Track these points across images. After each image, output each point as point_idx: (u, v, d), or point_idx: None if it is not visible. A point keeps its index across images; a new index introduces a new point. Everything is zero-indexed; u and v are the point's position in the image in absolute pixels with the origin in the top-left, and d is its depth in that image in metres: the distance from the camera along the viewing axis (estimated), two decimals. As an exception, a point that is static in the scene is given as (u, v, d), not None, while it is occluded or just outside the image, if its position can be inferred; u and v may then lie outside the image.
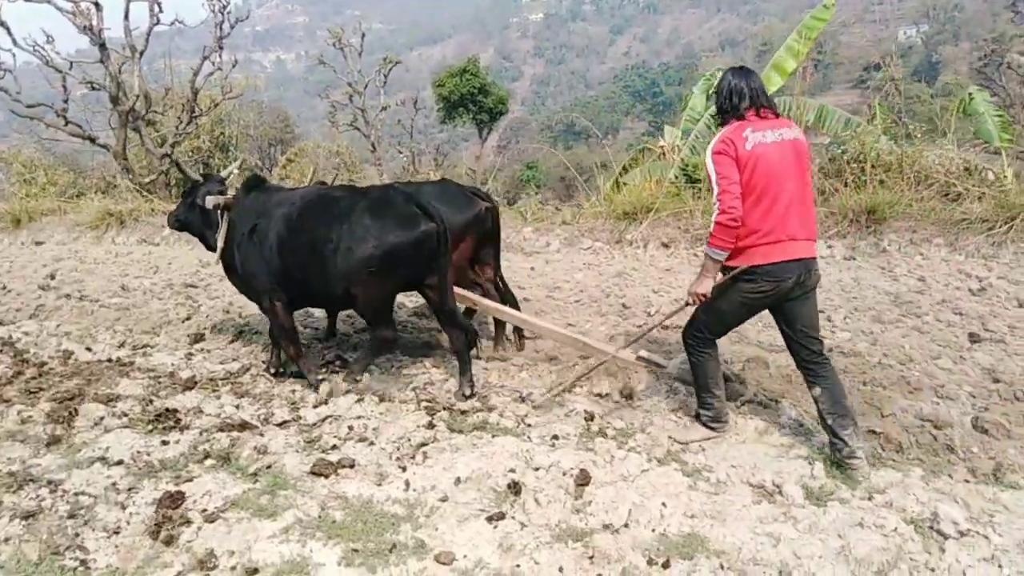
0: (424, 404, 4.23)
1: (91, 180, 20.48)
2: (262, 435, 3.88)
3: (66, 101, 14.10)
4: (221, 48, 16.09)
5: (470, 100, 36.53)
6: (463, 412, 4.09)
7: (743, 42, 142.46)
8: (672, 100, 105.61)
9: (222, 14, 15.76)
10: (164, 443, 3.82)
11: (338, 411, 4.14)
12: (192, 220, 5.26)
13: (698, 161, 8.41)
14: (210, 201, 4.81)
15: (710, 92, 11.72)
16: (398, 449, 3.65)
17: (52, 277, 8.22)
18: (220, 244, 4.84)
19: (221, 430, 3.95)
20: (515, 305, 5.21)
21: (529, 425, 3.84)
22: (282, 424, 4.06)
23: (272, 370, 5.01)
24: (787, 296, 3.41)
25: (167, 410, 4.27)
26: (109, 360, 5.34)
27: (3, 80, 14.00)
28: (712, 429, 3.73)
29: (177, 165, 6.01)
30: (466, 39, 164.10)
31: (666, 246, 6.99)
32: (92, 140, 15.14)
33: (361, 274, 4.21)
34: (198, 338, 5.90)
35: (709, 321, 3.65)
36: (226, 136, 21.64)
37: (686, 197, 7.49)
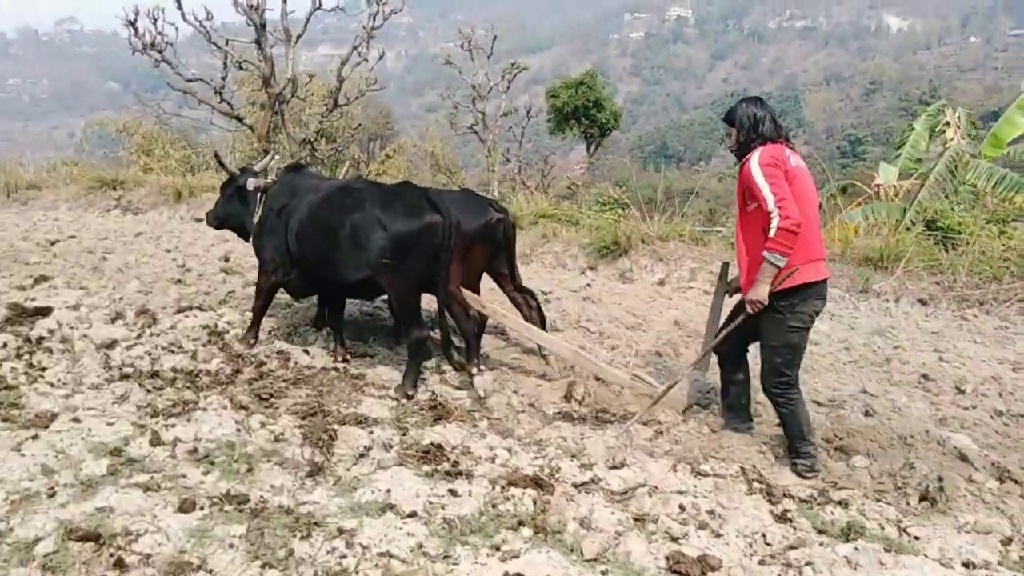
0: (754, 483, 3.47)
1: (203, 158, 20.79)
2: (571, 499, 3.20)
3: (224, 78, 14.04)
4: (371, 39, 15.88)
5: (583, 113, 35.97)
6: (814, 502, 3.32)
7: (849, 78, 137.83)
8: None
9: (376, 3, 15.56)
10: (453, 493, 3.19)
11: (648, 477, 3.43)
12: (231, 212, 5.49)
13: (942, 208, 7.47)
14: (251, 183, 5.08)
15: (936, 129, 10.73)
16: (756, 551, 2.90)
17: (226, 259, 7.86)
18: (255, 224, 5.11)
19: (513, 484, 3.29)
20: (540, 312, 5.24)
21: (916, 538, 3.02)
22: (582, 486, 3.37)
23: (339, 357, 5.03)
24: None
25: (433, 445, 3.66)
26: (336, 370, 4.79)
27: (166, 53, 14.04)
28: (807, 479, 3.59)
29: (216, 157, 5.88)
30: (565, 51, 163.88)
31: (924, 303, 6.10)
32: (239, 119, 15.12)
33: (378, 263, 4.40)
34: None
35: (786, 360, 3.60)
36: (333, 127, 21.56)
37: (934, 249, 6.56)
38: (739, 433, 3.93)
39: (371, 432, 3.77)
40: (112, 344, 5.13)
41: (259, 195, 5.13)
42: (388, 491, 3.18)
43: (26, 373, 4.52)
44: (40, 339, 5.10)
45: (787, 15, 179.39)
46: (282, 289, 5.30)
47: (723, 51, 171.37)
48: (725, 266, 4.33)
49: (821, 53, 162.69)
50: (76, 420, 3.84)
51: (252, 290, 6.53)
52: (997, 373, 5.08)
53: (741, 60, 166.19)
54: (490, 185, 23.15)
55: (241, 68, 15.25)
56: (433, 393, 4.47)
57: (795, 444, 3.66)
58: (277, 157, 5.70)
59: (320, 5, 14.40)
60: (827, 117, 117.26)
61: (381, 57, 16.91)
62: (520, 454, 3.70)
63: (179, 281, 6.83)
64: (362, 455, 3.52)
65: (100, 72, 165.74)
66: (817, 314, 3.58)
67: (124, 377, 4.58)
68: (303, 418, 3.97)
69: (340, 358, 4.98)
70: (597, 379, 4.59)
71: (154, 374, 4.66)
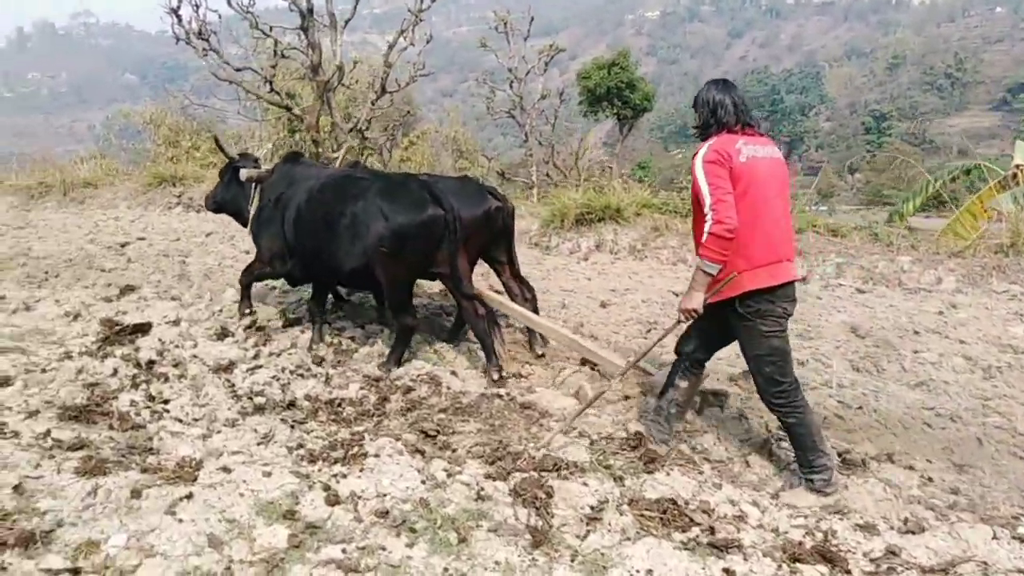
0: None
1: (232, 149, 20.23)
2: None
3: (274, 66, 13.40)
4: (420, 21, 15.17)
5: (616, 95, 35.19)
6: None
7: (871, 53, 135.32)
8: (792, 108, 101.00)
9: (426, -15, 14.82)
10: (729, 574, 2.55)
11: (966, 548, 2.76)
12: (228, 198, 5.47)
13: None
14: (243, 174, 5.07)
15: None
16: None
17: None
18: (252, 214, 5.08)
19: (797, 560, 2.65)
20: (535, 305, 5.13)
21: None
22: (881, 560, 2.71)
23: (314, 347, 4.93)
24: None
25: (667, 501, 3.02)
26: (500, 397, 4.15)
27: (212, 41, 13.40)
28: (826, 494, 3.22)
29: (215, 141, 5.91)
30: (579, 32, 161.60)
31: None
32: (288, 109, 14.46)
33: (375, 252, 4.39)
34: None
35: (777, 367, 3.30)
36: (355, 116, 20.91)
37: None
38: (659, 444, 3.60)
39: (585, 484, 3.13)
40: (230, 367, 4.53)
41: (254, 184, 5.13)
42: (649, 572, 2.55)
43: (148, 407, 3.93)
44: (151, 363, 4.51)
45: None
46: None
47: (740, 28, 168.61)
48: None
49: (841, 28, 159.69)
50: (226, 469, 3.24)
51: (360, 297, 6.00)
52: None
53: (759, 37, 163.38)
54: (530, 169, 22.49)
55: (284, 56, 14.63)
56: (628, 429, 3.81)
57: (808, 457, 3.28)
58: (269, 146, 5.64)
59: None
60: (850, 93, 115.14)
61: (429, 40, 16.21)
62: (772, 511, 3.06)
63: (273, 288, 6.23)
64: (592, 518, 2.88)
65: (116, 65, 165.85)
66: (788, 313, 3.29)
67: (258, 409, 3.98)
68: (491, 463, 3.34)
69: (315, 349, 4.88)
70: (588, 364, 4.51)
71: (290, 404, 4.07)
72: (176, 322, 5.28)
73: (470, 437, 3.62)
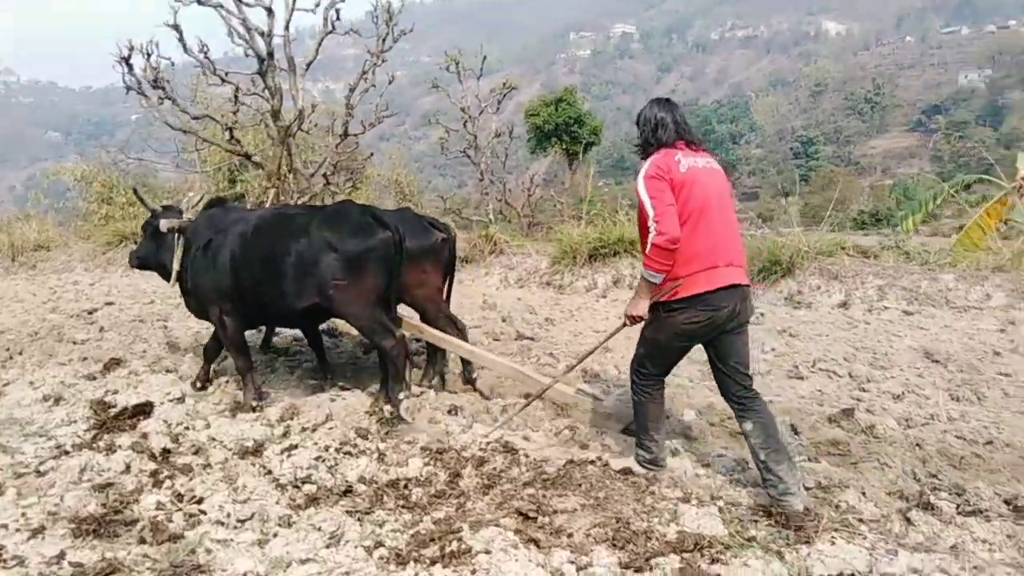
0: None
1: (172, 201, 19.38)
2: None
3: (235, 112, 12.75)
4: (382, 63, 14.77)
5: (564, 131, 35.49)
6: None
7: (794, 82, 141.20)
8: (724, 137, 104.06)
9: (387, 25, 14.47)
10: None
11: None
12: (151, 252, 5.25)
13: None
14: (164, 224, 4.84)
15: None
16: None
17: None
18: (176, 266, 4.85)
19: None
20: (463, 334, 5.02)
21: None
22: None
23: (198, 384, 4.94)
24: (722, 328, 3.35)
25: (851, 583, 2.53)
26: (592, 463, 3.61)
27: (163, 90, 12.70)
28: (647, 469, 3.57)
29: (135, 193, 5.62)
30: (515, 72, 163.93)
31: None
32: (248, 157, 13.79)
33: (329, 287, 4.25)
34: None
35: (649, 355, 3.55)
36: (314, 162, 20.35)
37: None
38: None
39: (746, 565, 2.62)
40: (258, 449, 3.89)
41: (176, 235, 4.89)
42: None
43: (179, 509, 3.26)
44: (166, 452, 3.83)
45: (729, 25, 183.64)
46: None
47: (669, 63, 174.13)
48: None
49: (764, 60, 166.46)
50: (305, 588, 2.63)
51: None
52: None
53: (687, 71, 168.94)
54: (487, 207, 22.20)
55: (237, 101, 14.00)
56: (753, 496, 3.31)
57: (639, 434, 3.64)
58: (203, 196, 5.32)
59: (333, 28, 13.23)
60: (777, 120, 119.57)
61: (391, 82, 15.83)
62: (968, 581, 2.60)
63: (281, 353, 5.58)
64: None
65: (39, 122, 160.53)
66: (703, 327, 3.33)
67: (312, 501, 3.35)
68: (620, 548, 2.81)
69: (253, 399, 4.60)
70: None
71: (346, 491, 3.45)
72: (180, 399, 4.60)
73: (579, 516, 3.07)
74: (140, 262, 5.39)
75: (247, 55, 13.40)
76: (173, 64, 13.30)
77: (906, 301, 5.82)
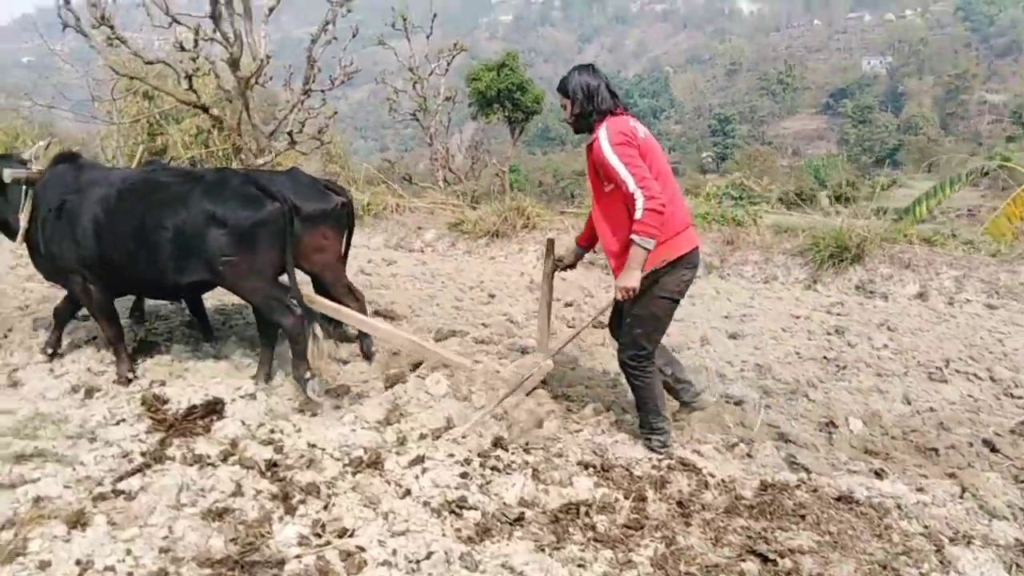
0: None
1: (88, 153, 17.72)
2: None
3: (195, 59, 11.49)
4: (347, 12, 13.70)
5: (507, 97, 34.75)
6: None
7: (709, 59, 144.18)
8: (645, 112, 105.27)
9: (349, -30, 13.39)
10: None
11: None
12: None
13: None
14: (8, 175, 4.35)
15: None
16: None
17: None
18: (23, 224, 4.35)
19: None
20: (362, 304, 4.80)
21: None
22: None
23: (49, 350, 4.51)
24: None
25: None
26: (798, 486, 3.19)
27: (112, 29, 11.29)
28: (661, 454, 3.50)
29: None
30: (437, 37, 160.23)
31: None
32: (205, 109, 12.53)
33: (218, 263, 3.96)
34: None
35: (646, 333, 3.51)
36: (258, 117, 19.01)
37: None
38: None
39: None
40: (377, 461, 3.28)
41: (24, 188, 4.38)
42: None
43: (329, 544, 2.66)
44: (272, 466, 3.17)
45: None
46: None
47: (589, 34, 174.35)
48: (551, 242, 4.10)
49: (681, 35, 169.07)
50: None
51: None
52: None
53: (607, 42, 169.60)
54: (436, 173, 21.47)
55: (197, 46, 12.66)
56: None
57: (649, 419, 3.57)
58: (48, 143, 4.97)
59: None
60: (694, 97, 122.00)
61: (355, 35, 14.74)
62: None
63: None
64: None
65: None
66: (687, 284, 3.50)
67: (483, 532, 2.81)
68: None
69: (128, 371, 4.28)
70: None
71: (517, 519, 2.91)
72: (252, 395, 3.90)
73: (830, 560, 2.65)
74: None
75: (203, -3, 12.14)
76: (114, 0, 11.89)
77: (986, 295, 5.67)
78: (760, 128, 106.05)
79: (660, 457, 3.40)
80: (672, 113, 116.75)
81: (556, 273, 4.05)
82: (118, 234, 4.07)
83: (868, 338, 4.96)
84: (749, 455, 3.50)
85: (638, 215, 3.19)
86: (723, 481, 3.20)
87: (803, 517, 2.92)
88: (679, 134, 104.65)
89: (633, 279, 3.29)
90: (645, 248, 3.23)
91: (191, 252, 3.99)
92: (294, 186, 4.40)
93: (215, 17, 12.21)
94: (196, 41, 11.35)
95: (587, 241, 3.91)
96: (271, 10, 12.69)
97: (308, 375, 4.06)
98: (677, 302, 3.50)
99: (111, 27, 11.07)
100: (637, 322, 3.47)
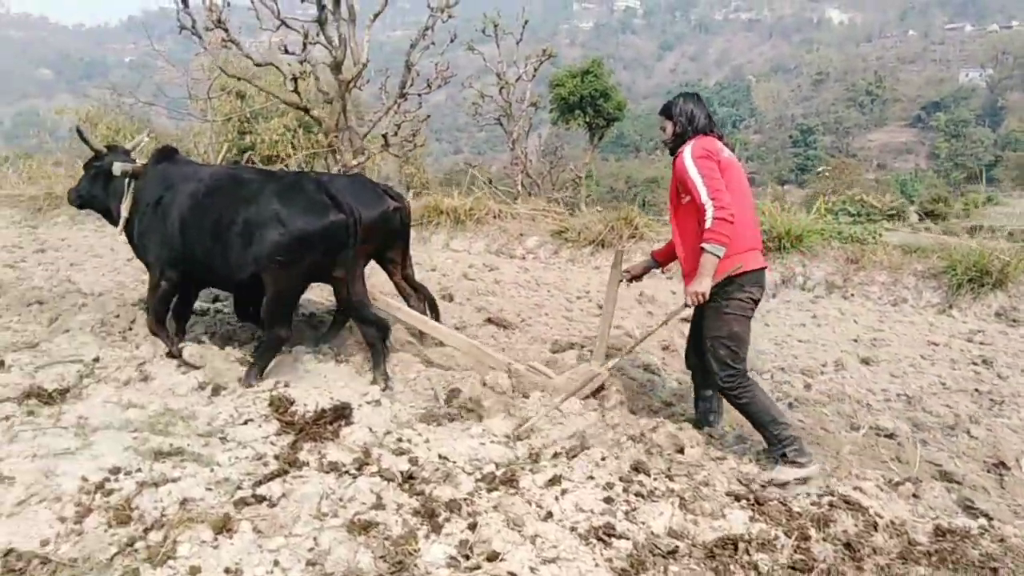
0: None
1: (183, 149, 18.33)
2: None
3: (303, 61, 11.76)
4: (449, 18, 13.79)
5: (589, 103, 34.50)
6: None
7: (795, 68, 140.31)
8: (724, 121, 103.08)
9: (451, -23, 13.46)
10: None
11: None
12: (96, 194, 4.93)
13: None
14: (117, 167, 4.60)
15: None
16: None
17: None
18: (124, 214, 4.61)
19: None
20: (434, 305, 5.04)
21: None
22: None
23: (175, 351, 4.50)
24: None
25: None
26: (981, 531, 2.91)
27: (227, 32, 11.66)
28: (802, 465, 3.32)
29: (78, 132, 5.06)
30: (514, 41, 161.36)
31: None
32: (306, 111, 12.82)
33: (268, 262, 4.04)
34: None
35: (731, 351, 3.52)
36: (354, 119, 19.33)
37: None
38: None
39: None
40: (512, 479, 3.15)
41: (128, 180, 4.62)
42: None
43: (479, 568, 2.53)
44: (409, 479, 3.07)
45: (732, 7, 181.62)
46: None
47: (671, 42, 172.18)
48: (619, 253, 4.19)
49: (766, 44, 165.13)
50: None
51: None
52: None
53: (689, 51, 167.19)
54: (515, 178, 21.43)
55: (305, 49, 12.96)
56: None
57: (771, 432, 3.44)
58: (148, 138, 5.30)
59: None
60: (777, 107, 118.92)
61: (453, 39, 14.85)
62: None
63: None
64: None
65: (28, 57, 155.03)
66: (756, 301, 3.56)
67: (637, 566, 2.63)
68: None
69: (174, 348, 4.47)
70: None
71: (670, 553, 2.72)
72: (377, 401, 3.84)
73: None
74: (81, 201, 5.09)
75: (302, 1, 12.42)
76: (229, 4, 12.27)
77: None
78: (844, 140, 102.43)
79: (820, 493, 3.15)
80: (752, 123, 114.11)
81: (618, 286, 4.16)
82: (200, 228, 4.25)
83: (1022, 371, 4.56)
84: (915, 495, 3.21)
85: (708, 224, 3.34)
86: (892, 523, 2.93)
87: (995, 571, 2.63)
88: (758, 144, 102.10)
89: (704, 285, 3.39)
90: (715, 255, 3.35)
91: (250, 247, 4.09)
92: (354, 192, 4.53)
93: (321, 21, 12.51)
94: (304, 44, 11.62)
95: (663, 257, 4.03)
96: (376, 16, 12.90)
97: (253, 384, 4.06)
98: (749, 319, 3.58)
99: (226, 30, 11.43)
100: (718, 344, 3.53)
